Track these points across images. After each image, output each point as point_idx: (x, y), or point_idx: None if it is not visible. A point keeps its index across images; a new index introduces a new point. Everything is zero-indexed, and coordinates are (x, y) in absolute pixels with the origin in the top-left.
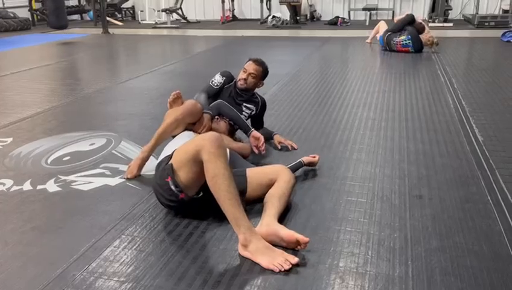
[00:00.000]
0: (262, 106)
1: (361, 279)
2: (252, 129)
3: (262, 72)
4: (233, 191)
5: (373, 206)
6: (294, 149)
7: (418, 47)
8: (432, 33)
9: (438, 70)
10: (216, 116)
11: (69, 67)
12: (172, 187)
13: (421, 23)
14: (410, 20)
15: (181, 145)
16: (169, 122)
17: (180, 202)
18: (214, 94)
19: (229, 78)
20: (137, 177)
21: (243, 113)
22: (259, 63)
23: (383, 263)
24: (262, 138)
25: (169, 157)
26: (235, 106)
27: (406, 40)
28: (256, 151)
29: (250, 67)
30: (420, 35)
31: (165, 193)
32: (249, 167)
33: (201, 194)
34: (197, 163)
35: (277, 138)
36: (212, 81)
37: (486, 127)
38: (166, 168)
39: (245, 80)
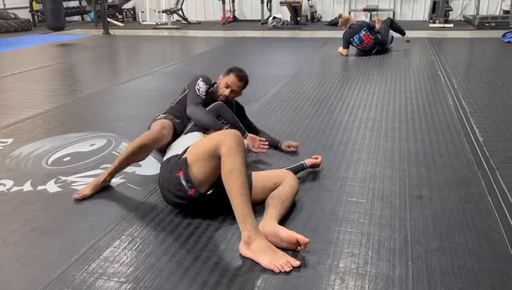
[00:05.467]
0: (237, 107)
1: (361, 280)
2: (247, 133)
3: (244, 86)
4: (246, 188)
5: (373, 206)
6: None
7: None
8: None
9: (439, 71)
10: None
11: (69, 68)
12: (183, 182)
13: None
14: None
15: (197, 141)
16: (132, 149)
17: (188, 198)
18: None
19: (209, 84)
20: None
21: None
22: (242, 78)
23: (383, 264)
24: (257, 137)
25: (182, 153)
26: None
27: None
28: (257, 151)
29: (234, 84)
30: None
31: (173, 188)
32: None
33: (211, 191)
34: (215, 158)
35: (284, 143)
36: (199, 90)
37: (486, 128)
38: (179, 162)
39: (227, 96)
